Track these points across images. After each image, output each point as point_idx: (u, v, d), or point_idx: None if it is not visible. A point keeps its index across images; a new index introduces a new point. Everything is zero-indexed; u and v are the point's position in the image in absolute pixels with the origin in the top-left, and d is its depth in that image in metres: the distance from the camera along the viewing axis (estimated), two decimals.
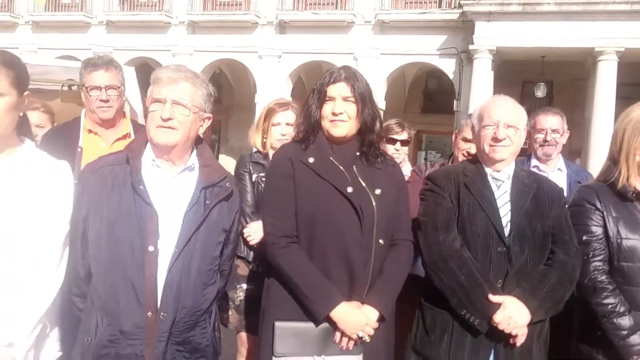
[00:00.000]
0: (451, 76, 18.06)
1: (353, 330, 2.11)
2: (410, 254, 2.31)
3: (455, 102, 17.98)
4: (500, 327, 2.12)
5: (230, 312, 3.20)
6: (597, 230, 2.30)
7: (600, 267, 2.27)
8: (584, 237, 2.30)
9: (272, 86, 18.52)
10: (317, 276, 2.12)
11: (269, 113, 3.20)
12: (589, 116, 16.62)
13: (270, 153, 3.12)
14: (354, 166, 2.23)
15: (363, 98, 2.23)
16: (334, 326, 2.13)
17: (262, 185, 3.04)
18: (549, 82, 18.56)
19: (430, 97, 21.70)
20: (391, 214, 2.24)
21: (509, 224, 2.25)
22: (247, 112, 20.45)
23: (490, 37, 16.48)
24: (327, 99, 2.23)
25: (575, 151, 17.78)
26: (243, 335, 3.26)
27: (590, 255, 2.28)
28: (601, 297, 2.23)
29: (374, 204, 2.17)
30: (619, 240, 2.26)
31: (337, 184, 2.16)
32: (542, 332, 2.30)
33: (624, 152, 2.31)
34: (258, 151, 3.23)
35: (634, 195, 2.29)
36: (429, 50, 17.88)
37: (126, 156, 2.06)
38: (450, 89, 18.63)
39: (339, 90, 2.22)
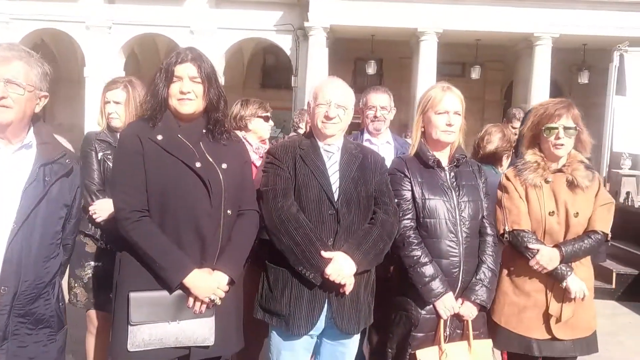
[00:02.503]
0: (288, 52, 18.43)
1: (205, 294, 2.27)
2: (256, 222, 2.52)
3: (293, 78, 18.42)
4: (331, 278, 2.41)
5: (78, 290, 3.17)
6: (406, 193, 2.71)
7: (409, 225, 2.68)
8: (395, 200, 2.68)
9: (102, 59, 17.46)
10: (169, 246, 2.24)
11: (104, 90, 3.22)
12: (414, 92, 18.04)
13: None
14: (201, 143, 2.37)
15: (209, 78, 2.38)
16: (187, 292, 2.27)
17: (109, 162, 3.05)
18: (378, 59, 19.77)
19: (268, 73, 21.99)
20: (237, 186, 2.42)
21: (337, 189, 2.55)
22: (76, 87, 19.13)
23: (324, 15, 17.07)
24: (174, 78, 2.33)
25: (404, 125, 19.28)
26: (92, 312, 3.25)
27: (401, 215, 2.67)
28: (409, 250, 2.64)
29: (221, 177, 2.34)
30: (423, 201, 2.68)
31: (185, 160, 2.29)
32: (369, 282, 2.65)
33: (415, 124, 2.78)
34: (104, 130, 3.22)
35: (434, 162, 2.72)
36: (265, 26, 18.03)
37: None
38: (288, 65, 19.02)
39: (186, 70, 2.34)
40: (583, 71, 18.05)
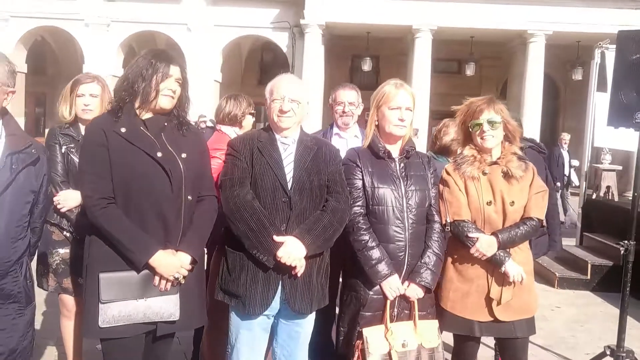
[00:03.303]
0: (285, 49, 18.60)
1: (169, 273, 2.48)
2: (215, 206, 2.72)
3: None
4: (282, 260, 2.59)
5: (48, 276, 3.37)
6: (357, 182, 2.89)
7: (358, 211, 2.86)
8: (347, 189, 2.86)
9: (101, 56, 17.70)
10: (135, 230, 2.44)
11: (75, 84, 3.39)
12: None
13: (81, 125, 3.36)
14: (162, 134, 2.57)
15: (186, 82, 2.65)
16: (152, 272, 2.47)
17: (72, 155, 3.24)
18: (375, 56, 19.92)
19: (266, 70, 22.10)
20: (196, 173, 2.62)
21: (291, 179, 2.72)
22: None
23: (319, 12, 17.23)
24: (167, 76, 2.55)
25: None
26: (64, 297, 3.45)
27: (352, 202, 2.86)
28: (358, 234, 2.82)
29: (181, 165, 2.54)
30: (372, 189, 2.86)
31: (147, 150, 2.49)
32: (322, 265, 2.83)
33: (369, 118, 2.97)
34: (68, 123, 3.40)
35: (385, 153, 2.90)
36: (262, 23, 18.22)
37: None
38: (285, 61, 19.18)
39: (174, 71, 2.58)
40: (577, 68, 18.18)
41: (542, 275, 7.39)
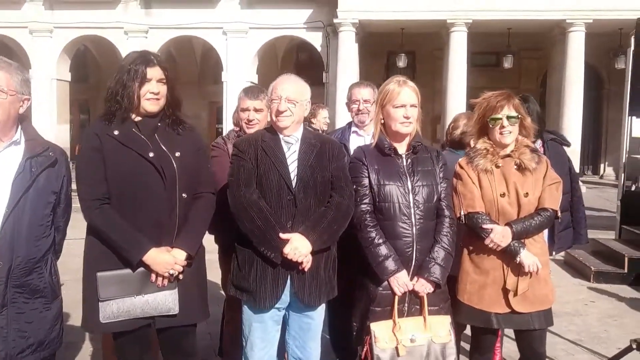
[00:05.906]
0: (319, 49, 18.67)
1: (164, 269, 2.59)
2: (211, 203, 2.81)
3: (324, 74, 18.63)
4: (289, 257, 2.66)
5: None
6: (364, 180, 2.92)
7: (365, 209, 2.89)
8: (354, 186, 2.91)
9: None
10: (128, 229, 2.55)
11: None
12: (446, 84, 17.96)
13: None
14: (155, 135, 2.67)
15: (172, 80, 2.71)
16: (148, 269, 2.58)
17: None
18: (410, 52, 19.74)
19: (301, 70, 22.18)
20: (191, 171, 2.71)
21: (295, 177, 2.79)
22: None
23: (352, 11, 17.22)
24: (146, 80, 2.62)
25: (436, 116, 19.24)
26: None
27: (359, 200, 2.89)
28: (365, 232, 2.86)
29: (174, 164, 2.63)
30: (378, 186, 2.89)
31: (139, 151, 2.59)
32: (329, 259, 2.89)
33: (375, 117, 3.00)
34: None
35: (390, 150, 2.93)
36: (296, 24, 18.33)
37: None
38: (320, 61, 19.25)
39: (155, 73, 2.65)
40: (620, 56, 17.56)
41: (578, 269, 7.24)
